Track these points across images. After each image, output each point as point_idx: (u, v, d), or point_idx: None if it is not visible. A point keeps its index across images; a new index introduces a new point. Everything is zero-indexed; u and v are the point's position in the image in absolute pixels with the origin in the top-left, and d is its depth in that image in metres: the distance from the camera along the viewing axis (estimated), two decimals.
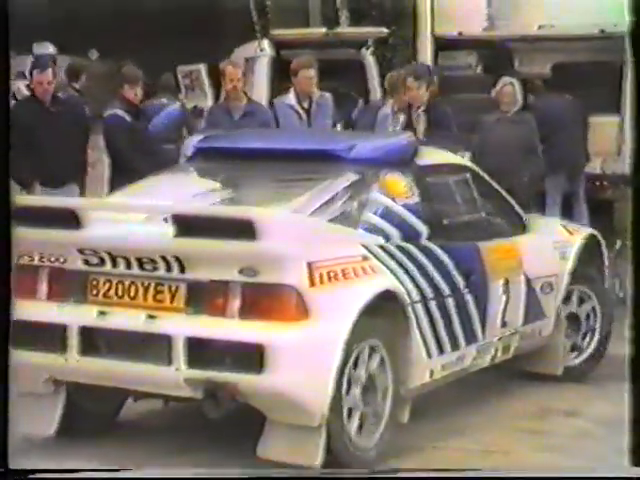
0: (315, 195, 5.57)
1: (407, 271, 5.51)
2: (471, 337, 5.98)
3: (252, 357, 4.82)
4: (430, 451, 5.66)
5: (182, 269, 5.02)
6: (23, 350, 4.95)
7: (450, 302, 5.75)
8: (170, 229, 4.94)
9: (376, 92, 12.08)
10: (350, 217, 5.51)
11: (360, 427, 5.29)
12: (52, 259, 5.34)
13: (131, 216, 5.44)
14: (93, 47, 27.23)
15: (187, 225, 4.92)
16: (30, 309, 5.17)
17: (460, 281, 5.83)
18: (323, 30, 13.85)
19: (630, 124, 4.92)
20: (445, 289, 5.74)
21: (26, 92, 22.04)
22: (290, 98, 9.02)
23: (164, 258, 5.01)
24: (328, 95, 9.47)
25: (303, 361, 4.90)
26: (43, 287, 5.37)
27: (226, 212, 5.17)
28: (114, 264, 5.16)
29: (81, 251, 5.20)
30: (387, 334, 5.34)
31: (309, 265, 4.95)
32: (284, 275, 4.92)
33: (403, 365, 5.42)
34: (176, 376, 4.98)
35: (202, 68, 13.04)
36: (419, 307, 5.51)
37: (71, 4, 33.71)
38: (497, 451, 5.65)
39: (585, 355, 6.89)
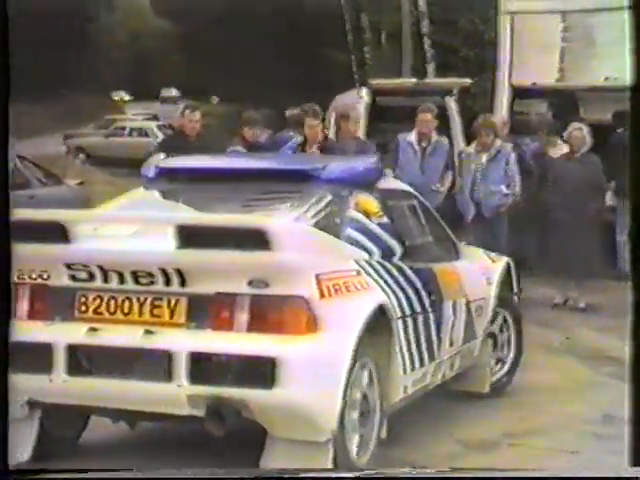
0: (291, 209, 5.03)
1: (390, 288, 5.02)
2: (431, 355, 5.47)
3: (263, 372, 4.22)
4: None
5: (183, 282, 4.37)
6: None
7: (420, 320, 5.29)
8: (171, 241, 4.29)
9: (457, 135, 12.24)
10: (331, 232, 4.91)
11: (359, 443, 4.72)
12: (33, 275, 4.56)
13: (119, 229, 4.71)
14: (214, 94, 27.49)
15: (192, 236, 4.28)
16: (7, 329, 4.27)
17: (426, 300, 5.38)
18: (414, 80, 14.11)
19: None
20: (417, 307, 5.27)
21: (158, 132, 22.65)
22: (412, 136, 9.32)
23: (163, 271, 4.35)
24: (445, 140, 9.77)
25: (314, 375, 4.31)
26: (23, 305, 4.56)
27: (237, 221, 4.48)
28: (105, 279, 4.44)
29: (68, 266, 4.48)
30: (374, 350, 4.78)
31: (317, 277, 4.41)
32: (296, 287, 4.33)
33: (385, 381, 4.89)
34: (178, 393, 4.30)
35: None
36: (400, 323, 5.02)
37: (199, 55, 34.25)
38: None
39: (506, 367, 6.66)
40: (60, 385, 4.46)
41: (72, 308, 4.53)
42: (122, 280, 4.44)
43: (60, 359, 4.44)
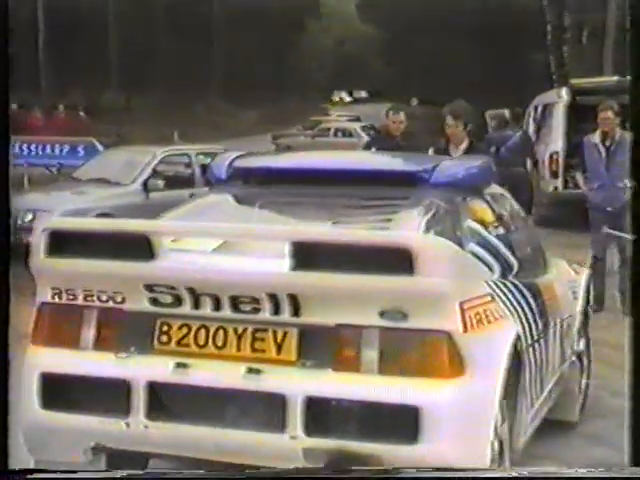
0: (405, 219, 4.20)
1: (517, 312, 4.07)
2: (542, 386, 4.46)
3: (403, 423, 3.37)
4: None
5: (296, 311, 3.45)
6: (58, 411, 3.61)
7: (538, 347, 4.30)
8: (284, 260, 3.41)
9: None
10: None
11: None
12: (104, 298, 3.64)
13: (199, 243, 3.83)
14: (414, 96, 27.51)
15: (311, 255, 3.40)
16: (70, 360, 3.64)
17: (540, 322, 4.37)
18: (615, 78, 13.58)
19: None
20: (535, 332, 4.27)
21: (362, 133, 22.64)
22: (595, 137, 9.00)
23: (273, 297, 3.45)
24: (628, 134, 9.34)
25: (462, 427, 3.48)
26: (90, 333, 3.68)
27: (372, 238, 3.53)
28: (196, 304, 3.54)
29: (150, 288, 3.56)
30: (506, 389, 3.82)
31: (461, 306, 3.49)
32: (439, 319, 3.42)
33: (513, 423, 3.93)
34: (292, 445, 3.43)
35: (506, 112, 13.17)
36: (529, 353, 4.10)
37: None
38: None
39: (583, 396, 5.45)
40: (140, 431, 3.56)
41: (151, 338, 3.60)
42: (217, 306, 3.52)
43: (140, 400, 3.54)
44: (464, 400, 3.47)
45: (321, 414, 3.43)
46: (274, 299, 3.46)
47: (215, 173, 4.78)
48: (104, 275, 3.59)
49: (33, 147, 13.86)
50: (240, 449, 3.52)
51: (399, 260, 3.31)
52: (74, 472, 3.69)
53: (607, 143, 8.69)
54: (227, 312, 3.52)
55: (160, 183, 10.28)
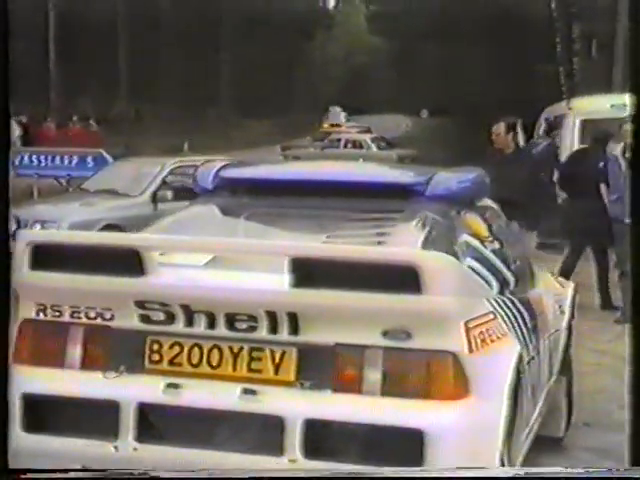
0: (401, 233, 4.06)
1: (515, 330, 3.93)
2: (535, 405, 4.30)
3: (407, 447, 3.24)
4: None
5: (295, 329, 3.35)
6: (42, 434, 3.44)
7: (533, 365, 4.14)
8: (284, 276, 3.29)
9: None
10: None
11: None
12: (91, 315, 3.50)
13: (189, 257, 3.67)
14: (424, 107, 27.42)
15: (313, 272, 3.29)
16: (55, 380, 3.49)
17: (534, 339, 4.21)
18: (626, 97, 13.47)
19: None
20: (532, 349, 4.14)
21: (372, 144, 22.78)
22: (617, 149, 8.98)
23: (271, 315, 3.34)
24: None
25: (468, 449, 3.36)
26: (76, 351, 3.52)
27: (377, 255, 3.43)
28: (189, 322, 3.41)
29: (141, 304, 3.42)
30: None
31: (466, 326, 3.38)
32: (444, 339, 3.32)
33: (511, 445, 3.75)
34: (290, 469, 3.35)
35: (518, 122, 13.15)
36: (526, 373, 3.93)
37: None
38: None
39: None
40: (129, 454, 3.39)
41: (141, 357, 3.45)
42: (212, 324, 3.38)
43: (129, 421, 3.39)
44: (470, 423, 3.35)
45: (321, 437, 3.29)
46: (272, 317, 3.33)
47: (200, 183, 4.57)
48: (92, 291, 3.43)
49: (43, 158, 13.86)
50: (235, 473, 3.34)
51: (404, 278, 3.19)
52: (73, 472, 3.45)
53: (627, 155, 8.68)
54: (222, 330, 3.37)
55: (169, 194, 10.24)
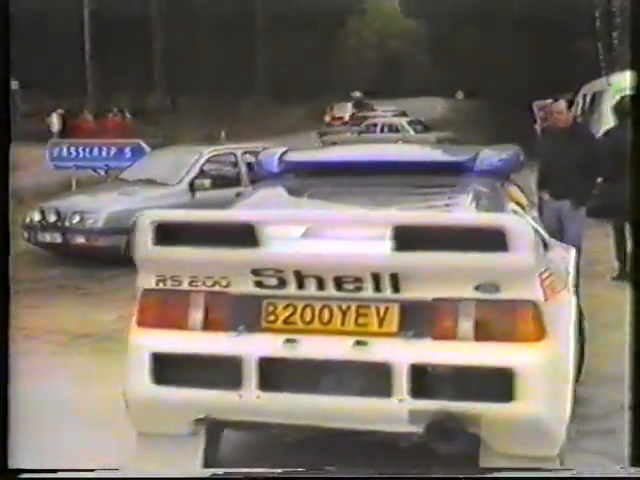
0: (462, 203, 4.50)
1: (564, 282, 4.50)
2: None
3: (500, 384, 3.71)
4: None
5: (396, 288, 3.79)
6: (169, 386, 3.90)
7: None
8: (387, 242, 3.73)
9: None
10: None
11: None
12: (209, 283, 3.94)
13: (287, 230, 4.08)
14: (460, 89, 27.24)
15: (412, 237, 3.70)
16: (181, 340, 3.95)
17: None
18: None
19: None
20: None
21: (408, 128, 22.65)
22: None
23: (375, 276, 3.78)
24: None
25: (549, 385, 3.82)
26: (197, 315, 3.95)
27: (471, 220, 3.94)
28: (300, 285, 3.84)
29: (256, 272, 3.86)
30: None
31: (540, 277, 3.86)
32: (526, 290, 3.79)
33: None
34: (399, 409, 3.75)
35: (551, 103, 13.00)
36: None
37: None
38: None
39: None
40: (253, 401, 3.85)
41: (258, 318, 3.89)
42: (321, 286, 3.81)
43: (252, 373, 3.84)
44: (549, 361, 3.81)
45: (424, 379, 3.74)
46: (376, 278, 3.76)
47: (266, 167, 5.10)
48: (211, 262, 3.86)
49: (80, 150, 13.90)
50: (349, 415, 3.82)
51: (494, 239, 3.61)
52: (73, 472, 3.81)
53: None
54: (332, 291, 3.80)
55: (206, 183, 10.22)
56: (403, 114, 32.24)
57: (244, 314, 3.88)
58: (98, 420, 4.89)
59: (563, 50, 26.77)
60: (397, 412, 3.75)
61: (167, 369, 3.90)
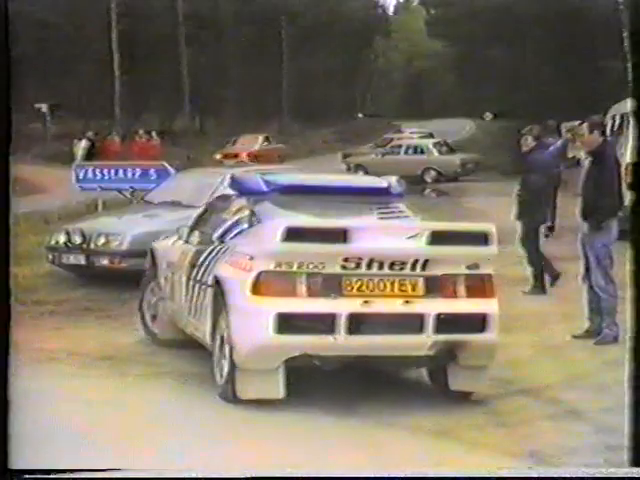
0: (403, 212, 7.35)
1: None
2: None
3: (479, 323, 6.22)
4: None
5: (423, 268, 6.12)
6: (285, 334, 5.94)
7: None
8: (423, 239, 6.14)
9: None
10: None
11: None
12: (310, 266, 6.00)
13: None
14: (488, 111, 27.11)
15: (440, 237, 6.15)
16: (292, 304, 5.99)
17: None
18: None
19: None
20: None
21: (433, 150, 22.28)
22: None
23: (415, 261, 6.09)
24: None
25: (499, 323, 6.35)
26: (303, 287, 6.01)
27: (469, 227, 6.56)
28: (369, 267, 6.04)
29: (345, 259, 6.02)
30: None
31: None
32: (491, 268, 6.34)
33: None
34: (426, 341, 6.13)
35: (577, 125, 12.89)
36: None
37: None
38: None
39: None
40: (343, 342, 6.00)
41: (340, 289, 6.05)
42: (381, 267, 6.07)
43: (343, 324, 5.98)
44: (499, 308, 6.51)
45: (440, 322, 6.12)
46: (415, 262, 6.12)
47: (253, 187, 7.12)
48: (316, 253, 6.00)
49: (106, 172, 13.93)
50: (396, 346, 6.17)
51: (481, 238, 6.35)
52: (73, 472, 4.02)
53: None
54: (386, 271, 6.11)
55: None
56: (430, 135, 32.08)
57: (332, 286, 6.03)
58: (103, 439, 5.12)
59: (593, 71, 26.58)
60: (425, 342, 6.14)
61: (285, 323, 5.91)
